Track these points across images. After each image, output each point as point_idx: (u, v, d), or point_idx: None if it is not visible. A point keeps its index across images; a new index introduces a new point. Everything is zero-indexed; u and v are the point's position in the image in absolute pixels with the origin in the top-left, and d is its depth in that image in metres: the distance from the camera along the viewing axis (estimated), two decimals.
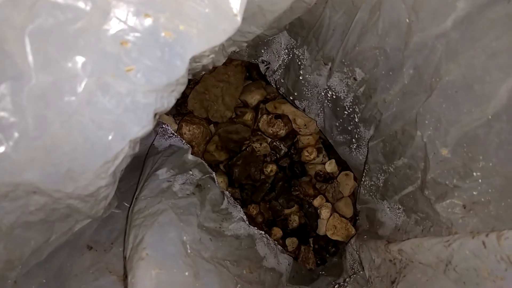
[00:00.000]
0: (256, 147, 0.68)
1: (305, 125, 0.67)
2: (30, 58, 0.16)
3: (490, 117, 0.26)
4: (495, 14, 0.24)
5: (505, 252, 0.23)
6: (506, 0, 0.23)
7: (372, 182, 0.51)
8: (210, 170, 0.52)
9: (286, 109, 0.67)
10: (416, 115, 0.33)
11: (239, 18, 0.23)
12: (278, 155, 0.68)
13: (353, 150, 0.57)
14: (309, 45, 0.51)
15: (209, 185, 0.44)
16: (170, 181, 0.38)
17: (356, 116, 0.49)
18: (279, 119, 0.67)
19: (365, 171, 0.53)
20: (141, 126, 0.22)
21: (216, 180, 0.51)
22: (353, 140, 0.56)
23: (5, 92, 0.16)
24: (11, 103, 0.16)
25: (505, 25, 0.23)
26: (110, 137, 0.20)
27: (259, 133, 0.69)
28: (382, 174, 0.47)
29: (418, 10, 0.30)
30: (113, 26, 0.19)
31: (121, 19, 0.19)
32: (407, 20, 0.31)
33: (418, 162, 0.36)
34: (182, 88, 0.25)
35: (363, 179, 0.55)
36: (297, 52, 0.56)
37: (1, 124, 0.16)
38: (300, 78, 0.57)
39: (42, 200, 0.21)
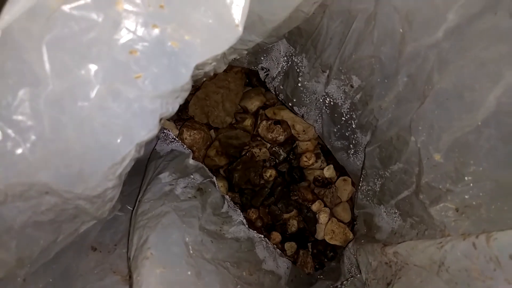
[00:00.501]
0: (255, 152, 0.69)
1: (303, 130, 0.69)
2: (47, 66, 0.17)
3: (479, 123, 0.27)
4: (483, 26, 0.25)
5: (494, 253, 0.24)
6: (493, 12, 0.24)
7: (369, 187, 0.52)
8: (210, 174, 0.53)
9: (285, 115, 0.69)
10: (410, 121, 0.34)
11: (240, 28, 0.24)
12: (277, 160, 0.69)
13: (351, 155, 0.58)
14: (308, 53, 0.53)
15: (210, 189, 0.45)
16: (172, 185, 0.40)
17: (353, 122, 0.50)
18: (278, 125, 0.69)
19: (362, 176, 0.54)
20: (148, 130, 0.23)
21: (216, 184, 0.52)
22: (351, 145, 0.57)
23: (24, 97, 0.17)
24: (29, 107, 0.17)
25: (493, 36, 0.25)
26: (118, 140, 0.21)
27: (259, 138, 0.70)
28: (379, 179, 0.48)
29: (411, 21, 0.31)
30: (123, 36, 0.20)
31: (131, 30, 0.20)
32: (401, 30, 0.32)
33: (413, 167, 0.37)
34: (186, 94, 0.27)
35: (360, 184, 0.56)
36: (295, 60, 0.58)
37: (19, 127, 0.17)
38: (299, 85, 0.59)
39: (53, 201, 0.22)
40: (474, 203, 0.30)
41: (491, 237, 0.25)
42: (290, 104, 0.66)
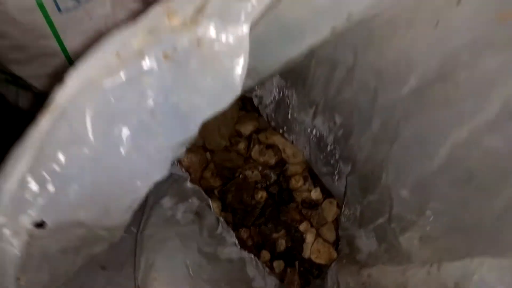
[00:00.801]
0: (248, 175, 0.74)
1: (293, 154, 0.74)
2: (90, 130, 0.23)
3: (435, 169, 0.33)
4: (436, 92, 0.31)
5: (443, 280, 0.30)
6: (443, 82, 0.31)
7: (351, 212, 0.57)
8: (206, 196, 0.58)
9: (277, 139, 0.74)
10: (383, 160, 0.40)
11: (239, 89, 0.30)
12: (268, 182, 0.75)
13: (336, 181, 0.64)
14: (297, 88, 0.59)
15: (206, 213, 0.50)
16: (173, 210, 0.45)
17: (336, 153, 0.56)
18: (270, 149, 0.74)
19: (344, 201, 0.60)
20: (162, 173, 0.29)
21: (212, 206, 0.58)
22: (335, 172, 0.63)
23: (71, 155, 0.22)
24: (76, 163, 0.22)
25: (442, 101, 0.31)
26: (138, 183, 0.27)
27: (251, 161, 0.76)
28: (358, 206, 0.54)
29: (383, 77, 0.38)
30: (148, 104, 0.25)
31: (153, 97, 0.26)
32: (374, 83, 0.39)
33: (385, 199, 0.43)
34: (193, 140, 0.32)
35: (343, 208, 0.62)
36: (286, 92, 0.64)
37: (66, 179, 0.22)
38: (289, 115, 0.65)
39: (81, 232, 0.27)
40: (433, 235, 0.36)
41: (441, 266, 0.30)
42: (281, 131, 0.72)
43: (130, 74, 0.24)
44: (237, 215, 0.72)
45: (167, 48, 0.26)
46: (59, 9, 0.48)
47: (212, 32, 0.28)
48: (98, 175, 0.24)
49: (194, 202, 0.50)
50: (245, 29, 0.28)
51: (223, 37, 0.28)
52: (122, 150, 0.24)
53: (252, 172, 0.73)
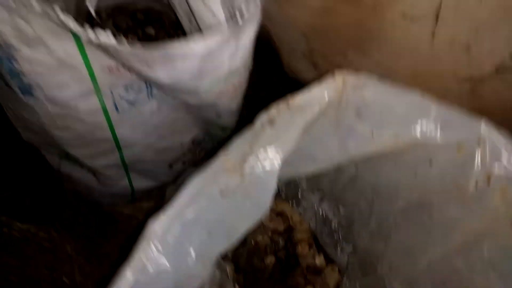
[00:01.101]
0: (259, 240, 0.83)
1: (300, 222, 0.83)
2: (171, 250, 0.33)
3: (419, 273, 0.43)
4: (416, 216, 0.41)
5: None
6: (421, 212, 0.41)
7: (351, 285, 0.66)
8: (224, 266, 0.67)
9: (285, 207, 0.84)
10: (378, 255, 0.50)
11: (268, 208, 0.40)
12: (277, 248, 0.83)
13: (338, 253, 0.73)
14: (307, 175, 0.69)
15: (226, 284, 0.59)
16: (203, 284, 0.54)
17: (340, 234, 0.66)
18: (279, 216, 0.83)
19: (346, 273, 0.68)
20: (208, 271, 0.38)
21: (228, 274, 0.66)
22: (338, 245, 0.72)
23: (157, 269, 0.32)
24: (160, 274, 0.32)
25: (421, 225, 0.41)
26: (194, 281, 0.37)
27: (262, 226, 0.84)
28: (358, 282, 0.62)
29: (378, 192, 0.48)
30: (207, 228, 0.36)
31: (210, 224, 0.36)
32: (371, 195, 0.49)
33: (381, 284, 0.52)
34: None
35: (344, 279, 0.70)
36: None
37: (154, 286, 0.32)
38: (298, 194, 0.75)
39: None
40: None
41: None
42: (290, 203, 0.81)
43: (196, 210, 0.35)
44: (248, 277, 0.80)
45: (222, 186, 0.37)
46: (117, 110, 0.60)
47: (252, 169, 0.38)
48: (172, 281, 0.33)
49: (217, 274, 0.59)
50: (276, 164, 0.40)
51: (260, 171, 0.39)
52: (189, 262, 0.34)
53: (263, 237, 0.82)
